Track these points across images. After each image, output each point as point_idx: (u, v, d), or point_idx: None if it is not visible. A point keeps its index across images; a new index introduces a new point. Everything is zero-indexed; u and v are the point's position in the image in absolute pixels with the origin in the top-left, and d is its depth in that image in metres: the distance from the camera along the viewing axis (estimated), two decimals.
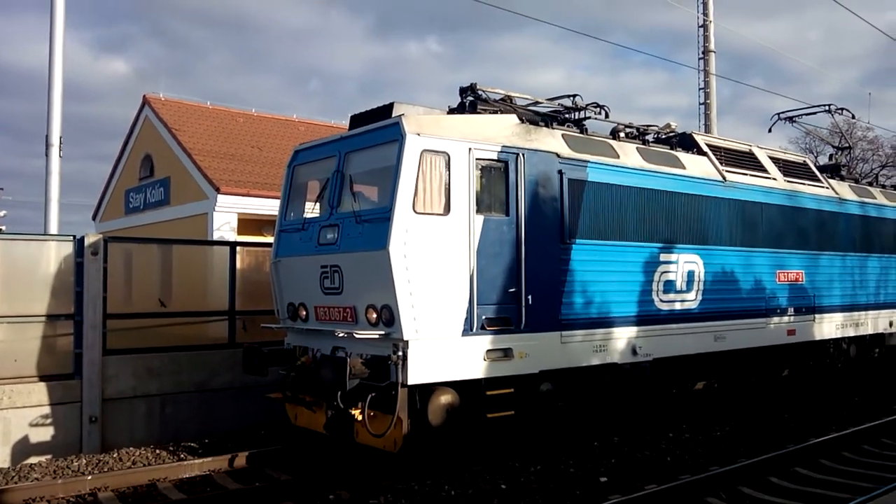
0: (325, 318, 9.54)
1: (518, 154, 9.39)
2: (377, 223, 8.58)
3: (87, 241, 11.06)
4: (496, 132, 9.40)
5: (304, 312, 9.90)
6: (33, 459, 10.28)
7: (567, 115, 11.08)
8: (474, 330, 8.84)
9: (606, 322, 10.22)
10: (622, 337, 10.40)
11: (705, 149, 12.38)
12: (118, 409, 11.13)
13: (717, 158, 12.38)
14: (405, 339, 8.34)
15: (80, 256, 11.02)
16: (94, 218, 28.83)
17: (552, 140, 9.97)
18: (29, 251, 11.11)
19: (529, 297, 9.31)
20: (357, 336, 8.65)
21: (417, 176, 8.55)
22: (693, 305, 11.50)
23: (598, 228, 10.21)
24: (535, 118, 10.38)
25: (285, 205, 10.50)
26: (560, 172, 9.80)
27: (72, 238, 11.21)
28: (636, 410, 11.32)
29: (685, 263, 11.35)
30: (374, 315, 8.69)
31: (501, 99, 10.55)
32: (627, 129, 11.72)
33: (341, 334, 8.82)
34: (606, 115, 11.22)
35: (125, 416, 11.20)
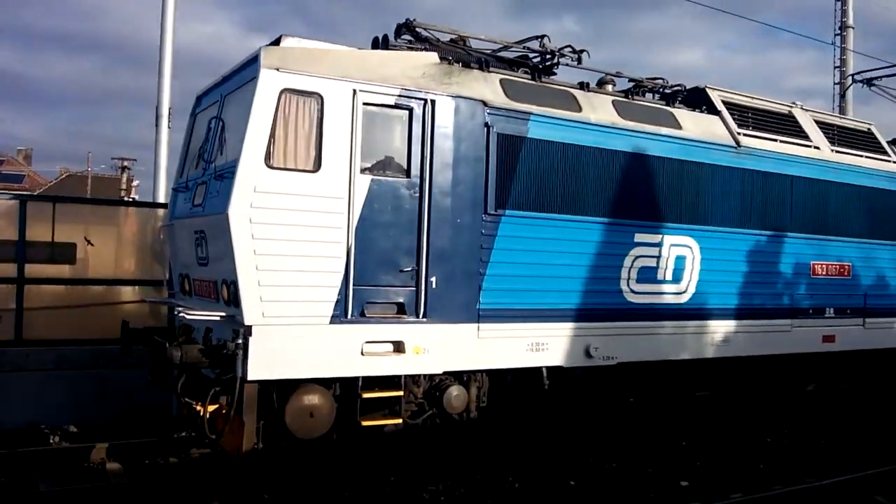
0: (200, 293, 8.04)
1: (426, 100, 7.48)
2: (227, 180, 6.96)
3: None
4: (399, 72, 7.51)
5: (187, 286, 8.44)
6: None
7: (537, 61, 9.04)
8: (349, 316, 7.08)
9: (547, 315, 8.15)
10: (570, 334, 8.31)
11: (719, 106, 9.91)
12: None
13: (736, 119, 9.93)
14: (247, 323, 6.69)
15: None
16: None
17: (480, 85, 7.95)
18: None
19: (433, 279, 7.46)
20: (188, 316, 7.10)
21: (275, 121, 6.84)
22: (683, 300, 9.23)
23: (540, 198, 8.13)
24: (469, 59, 8.36)
25: (183, 159, 9.02)
26: (486, 126, 7.81)
27: None
28: (601, 426, 9.24)
29: (673, 247, 9.09)
30: (226, 292, 7.10)
31: (451, 41, 8.65)
32: (630, 81, 9.62)
33: (180, 312, 7.28)
34: (580, 61, 9.06)
35: None
